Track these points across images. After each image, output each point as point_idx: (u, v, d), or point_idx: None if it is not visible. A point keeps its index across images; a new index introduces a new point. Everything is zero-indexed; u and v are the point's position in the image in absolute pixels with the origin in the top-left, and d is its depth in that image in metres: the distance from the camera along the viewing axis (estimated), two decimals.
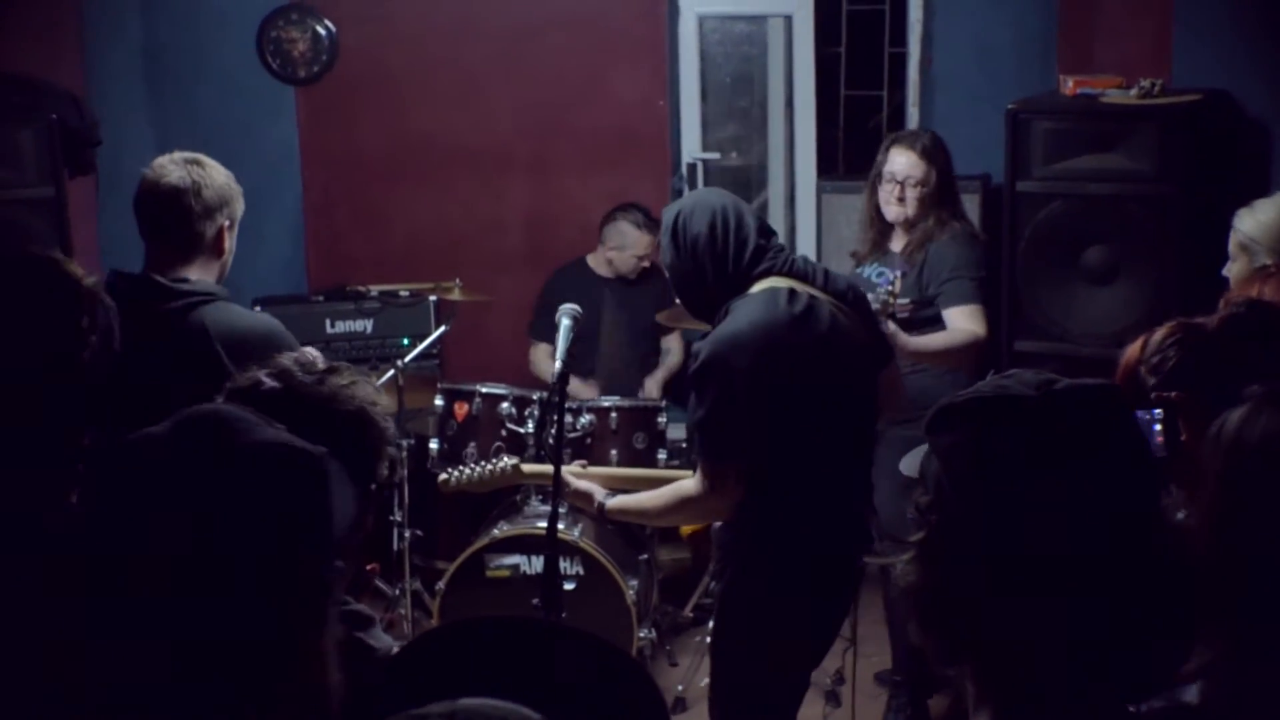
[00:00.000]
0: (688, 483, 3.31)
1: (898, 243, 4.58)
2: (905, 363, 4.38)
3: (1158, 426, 2.10)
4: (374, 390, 2.05)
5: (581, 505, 3.55)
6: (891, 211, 4.52)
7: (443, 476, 3.74)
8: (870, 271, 4.59)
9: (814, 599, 3.32)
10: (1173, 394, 2.11)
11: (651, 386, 5.64)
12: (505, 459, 3.77)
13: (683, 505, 3.34)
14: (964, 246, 4.48)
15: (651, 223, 5.55)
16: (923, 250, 4.47)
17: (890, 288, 4.24)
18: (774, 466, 3.22)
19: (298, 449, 1.50)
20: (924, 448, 1.50)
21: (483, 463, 3.73)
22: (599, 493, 3.47)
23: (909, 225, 4.53)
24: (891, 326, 4.05)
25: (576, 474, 3.54)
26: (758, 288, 3.23)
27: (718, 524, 3.40)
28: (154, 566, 1.41)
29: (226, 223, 3.29)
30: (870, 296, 4.16)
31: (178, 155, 3.33)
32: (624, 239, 5.57)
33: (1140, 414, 2.11)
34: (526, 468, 3.73)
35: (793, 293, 3.22)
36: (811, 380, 3.20)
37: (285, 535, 1.45)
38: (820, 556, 3.26)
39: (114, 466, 1.48)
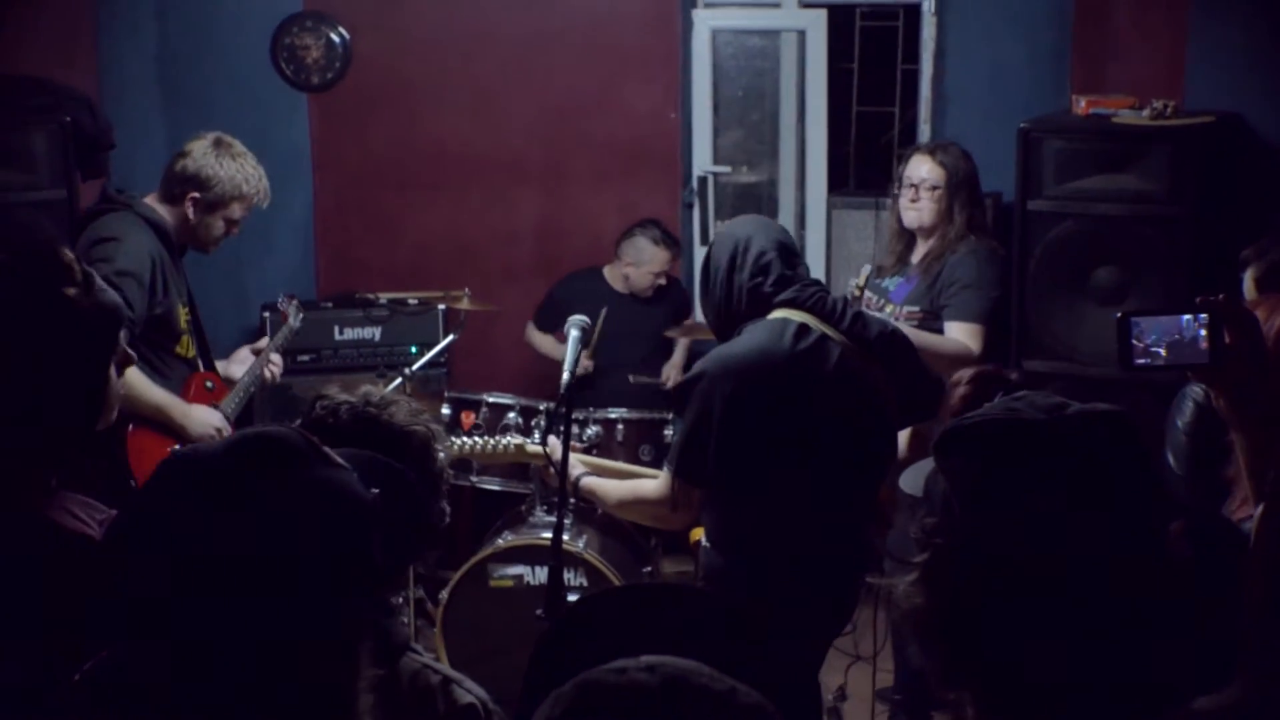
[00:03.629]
0: (649, 484, 3.39)
1: (917, 254, 4.63)
2: None
3: (1203, 332, 2.04)
4: (437, 424, 2.26)
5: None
6: (908, 216, 4.60)
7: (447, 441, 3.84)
8: (889, 283, 4.63)
9: (800, 623, 3.29)
10: (1219, 296, 2.06)
11: (669, 370, 5.59)
12: (510, 437, 3.86)
13: (638, 504, 3.44)
14: (982, 263, 4.50)
15: (669, 239, 5.57)
16: (940, 261, 4.50)
17: (857, 280, 4.34)
18: (759, 495, 3.22)
19: (349, 494, 1.44)
20: (924, 465, 1.49)
21: (488, 437, 3.83)
22: (578, 468, 3.59)
23: (927, 233, 4.57)
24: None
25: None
26: (773, 315, 3.24)
27: (704, 545, 3.41)
28: (183, 609, 1.35)
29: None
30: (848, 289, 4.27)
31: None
32: (640, 254, 5.59)
33: (1184, 318, 2.05)
34: (530, 448, 3.81)
35: (803, 328, 3.20)
36: (801, 416, 3.19)
37: (327, 577, 1.39)
38: (806, 584, 3.26)
39: (166, 481, 1.42)
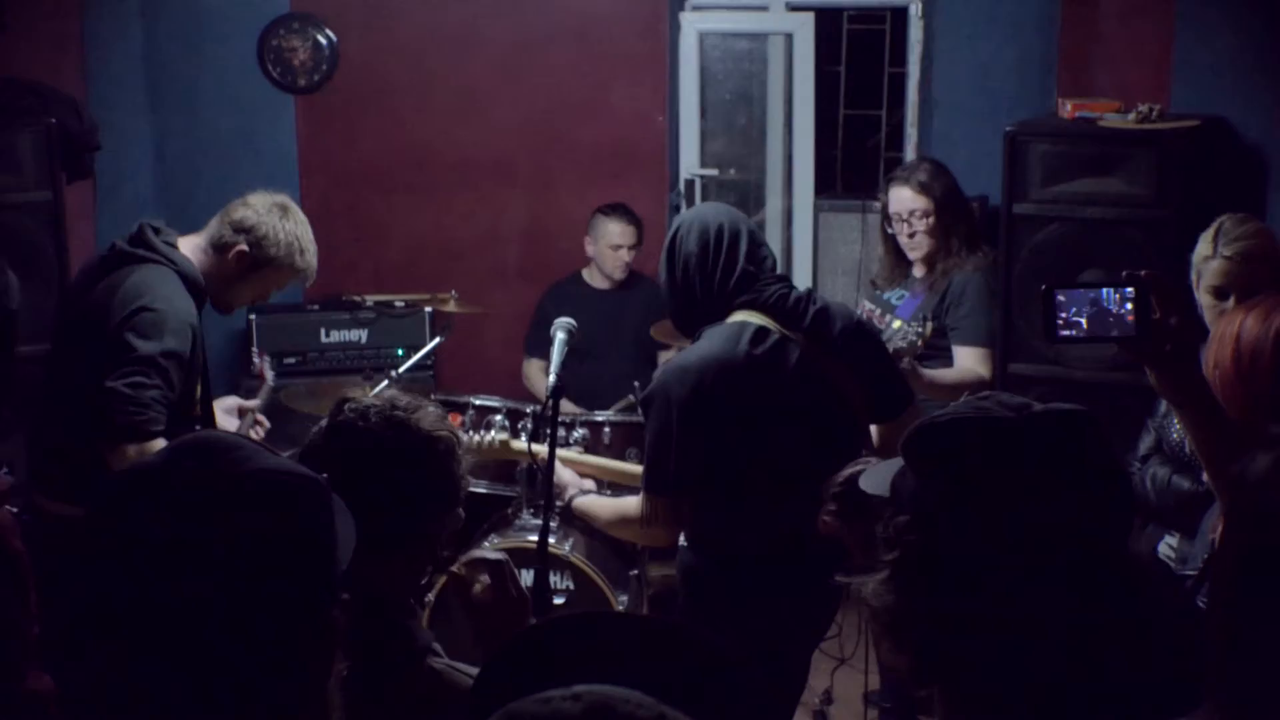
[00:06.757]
0: (632, 502, 3.34)
1: (919, 268, 4.62)
2: (918, 395, 4.39)
3: (1129, 305, 2.05)
4: (460, 433, 2.32)
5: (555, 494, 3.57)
6: (912, 251, 4.58)
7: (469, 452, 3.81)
8: (892, 295, 4.62)
9: (777, 624, 3.29)
10: (1143, 271, 2.08)
11: None
12: (494, 433, 3.81)
13: (623, 523, 3.40)
14: (986, 281, 4.51)
15: (630, 215, 5.59)
16: (946, 278, 4.51)
17: (922, 330, 4.20)
18: (725, 498, 3.22)
19: (301, 476, 1.43)
20: (885, 465, 1.50)
21: (470, 433, 3.79)
22: (572, 488, 3.56)
23: (930, 257, 4.57)
24: (906, 362, 4.03)
25: (560, 461, 3.60)
26: (734, 318, 3.22)
27: (681, 544, 3.40)
28: (147, 609, 1.34)
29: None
30: (902, 331, 4.16)
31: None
32: (597, 229, 5.64)
33: (1106, 291, 2.07)
34: (515, 444, 3.77)
35: (761, 331, 3.19)
36: (761, 419, 3.17)
37: (289, 569, 1.38)
38: (780, 584, 3.25)
39: (107, 499, 1.41)
